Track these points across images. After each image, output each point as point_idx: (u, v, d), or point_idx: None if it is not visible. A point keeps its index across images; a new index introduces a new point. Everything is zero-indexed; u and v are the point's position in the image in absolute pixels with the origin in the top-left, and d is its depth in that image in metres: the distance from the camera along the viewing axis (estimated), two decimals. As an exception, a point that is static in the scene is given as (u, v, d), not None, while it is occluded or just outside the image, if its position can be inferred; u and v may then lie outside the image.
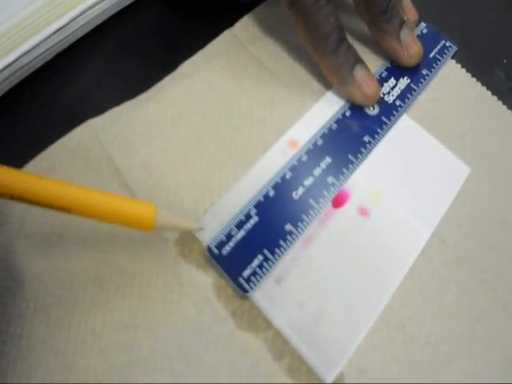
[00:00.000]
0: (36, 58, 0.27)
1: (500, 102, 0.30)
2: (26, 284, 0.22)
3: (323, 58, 0.27)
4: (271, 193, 0.24)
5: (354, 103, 0.28)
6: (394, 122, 0.28)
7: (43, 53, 0.27)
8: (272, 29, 0.30)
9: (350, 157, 0.26)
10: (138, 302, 0.22)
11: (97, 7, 0.29)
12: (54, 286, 0.22)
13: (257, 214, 0.24)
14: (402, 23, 0.28)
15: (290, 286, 0.23)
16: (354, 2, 0.29)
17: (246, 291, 0.22)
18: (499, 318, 0.24)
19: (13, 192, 0.18)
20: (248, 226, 0.23)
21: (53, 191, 0.19)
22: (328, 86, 0.28)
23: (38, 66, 0.28)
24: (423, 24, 0.32)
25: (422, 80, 0.29)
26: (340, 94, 0.28)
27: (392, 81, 0.29)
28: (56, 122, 0.26)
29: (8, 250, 0.22)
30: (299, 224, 0.24)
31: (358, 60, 0.27)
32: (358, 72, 0.27)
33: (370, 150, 0.27)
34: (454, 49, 0.31)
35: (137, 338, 0.21)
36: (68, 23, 0.28)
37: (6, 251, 0.22)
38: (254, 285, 0.22)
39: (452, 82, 0.30)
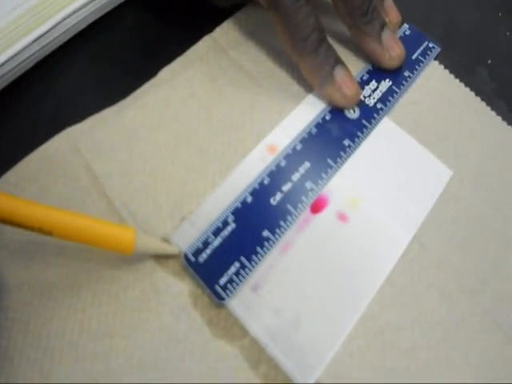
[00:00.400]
0: (16, 66, 0.27)
1: (484, 103, 0.30)
2: (4, 294, 0.22)
3: (302, 59, 0.27)
4: (249, 199, 0.24)
5: (334, 105, 0.28)
6: (375, 125, 0.28)
7: (23, 61, 0.28)
8: (252, 33, 0.30)
9: (329, 161, 0.26)
10: (114, 310, 0.22)
11: (76, 14, 0.29)
12: (33, 296, 0.22)
13: (234, 221, 0.24)
14: (384, 25, 0.28)
15: (267, 293, 0.23)
16: (334, 4, 0.28)
17: (222, 299, 0.22)
18: (480, 323, 0.24)
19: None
20: (225, 232, 0.23)
21: (34, 215, 0.19)
22: (308, 89, 0.28)
23: (19, 74, 0.28)
24: (406, 25, 0.32)
25: (403, 82, 0.29)
26: (320, 96, 0.28)
27: (373, 83, 0.29)
28: (36, 130, 0.27)
29: (-15, 261, 0.22)
30: (277, 230, 0.24)
31: (338, 61, 0.27)
32: (338, 73, 0.27)
33: (350, 154, 0.27)
34: (438, 50, 0.31)
35: (113, 347, 0.21)
36: (48, 31, 0.28)
37: (-17, 261, 0.22)
38: (231, 292, 0.22)
39: (435, 84, 0.30)
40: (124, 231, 0.21)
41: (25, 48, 0.27)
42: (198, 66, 0.29)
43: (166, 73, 0.28)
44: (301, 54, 0.27)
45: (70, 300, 0.22)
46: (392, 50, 0.29)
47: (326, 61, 0.27)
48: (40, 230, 0.20)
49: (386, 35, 0.28)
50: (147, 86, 0.28)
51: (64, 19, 0.29)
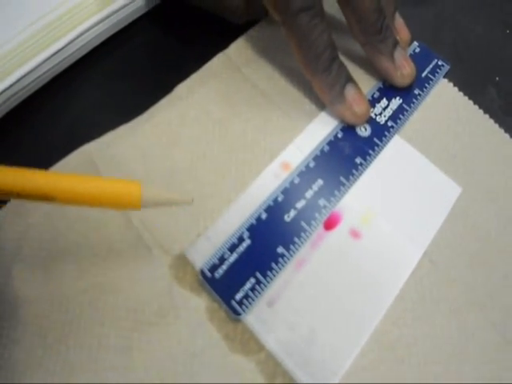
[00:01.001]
0: (31, 82, 0.28)
1: (492, 121, 0.31)
2: (22, 308, 0.23)
3: (315, 77, 0.28)
4: (264, 216, 0.25)
5: (345, 123, 0.29)
6: (386, 143, 0.28)
7: (39, 77, 0.28)
8: (265, 51, 0.31)
9: (342, 179, 0.27)
10: (133, 324, 0.23)
11: (92, 31, 0.30)
12: (51, 310, 0.23)
13: (249, 237, 0.25)
14: (396, 43, 0.29)
15: (282, 308, 0.24)
16: (348, 22, 0.29)
17: (238, 314, 0.23)
18: (489, 337, 0.25)
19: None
20: (241, 248, 0.24)
21: (36, 180, 0.19)
22: (320, 107, 0.29)
23: (34, 90, 0.29)
24: (416, 43, 0.33)
25: (414, 100, 0.30)
26: (331, 114, 0.29)
27: (384, 101, 0.30)
28: (53, 146, 0.27)
29: (4, 274, 0.23)
30: (291, 247, 0.25)
31: (349, 79, 0.28)
32: (349, 92, 0.28)
33: (362, 172, 0.27)
34: (447, 68, 0.32)
35: (132, 360, 0.22)
36: (64, 47, 0.29)
37: (2, 275, 0.23)
38: (247, 308, 0.23)
39: (444, 102, 0.31)
40: (128, 185, 0.20)
41: (40, 64, 0.28)
42: (213, 83, 0.29)
43: (181, 89, 0.29)
44: (313, 73, 0.28)
45: (87, 314, 0.23)
46: (403, 69, 0.29)
47: (337, 80, 0.28)
48: (42, 196, 0.19)
49: (399, 54, 0.29)
50: (163, 103, 0.29)
51: (79, 36, 0.30)
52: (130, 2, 0.31)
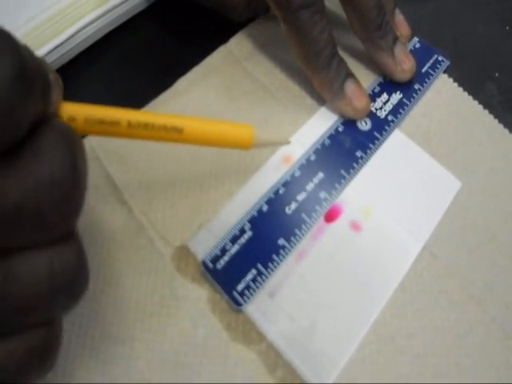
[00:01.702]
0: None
1: (491, 116, 0.31)
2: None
3: (315, 74, 0.28)
4: (265, 208, 0.26)
5: (346, 117, 0.29)
6: (386, 137, 0.29)
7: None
8: (266, 45, 0.32)
9: (343, 172, 0.27)
10: (134, 315, 0.23)
11: (92, 26, 0.30)
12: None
13: (251, 229, 0.25)
14: (396, 39, 0.30)
15: (283, 299, 0.24)
16: (348, 18, 0.30)
17: (240, 305, 0.23)
18: (488, 330, 0.25)
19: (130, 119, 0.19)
20: (242, 240, 0.25)
21: (166, 116, 0.20)
22: (321, 101, 0.30)
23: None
24: (416, 39, 0.33)
25: (414, 95, 0.31)
26: (332, 109, 0.29)
27: (384, 96, 0.30)
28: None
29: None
30: (292, 239, 0.25)
31: (349, 75, 0.29)
32: (349, 87, 0.28)
33: (362, 165, 0.28)
34: (447, 63, 0.33)
35: (133, 351, 0.23)
36: (64, 41, 0.29)
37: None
38: (248, 298, 0.23)
39: (444, 97, 0.32)
40: (242, 128, 0.23)
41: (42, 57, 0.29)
42: (214, 76, 0.30)
43: (182, 83, 0.30)
44: (313, 70, 0.28)
45: (90, 305, 0.23)
46: (404, 64, 0.30)
47: (337, 76, 0.28)
48: (172, 128, 0.20)
49: (399, 49, 0.30)
50: (164, 97, 0.29)
51: (79, 31, 0.30)
52: (130, -2, 0.32)
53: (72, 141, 0.15)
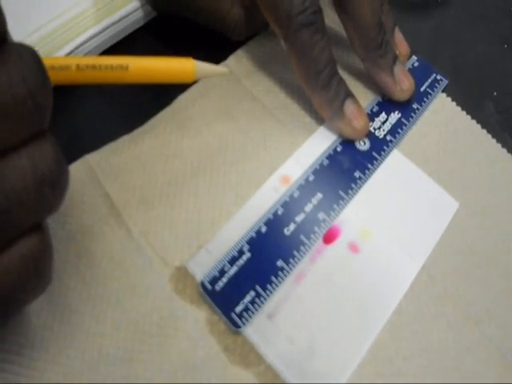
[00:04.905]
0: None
1: (489, 136, 0.32)
2: (24, 319, 0.24)
3: (314, 93, 0.29)
4: (263, 229, 0.27)
5: (345, 137, 0.30)
6: (385, 157, 0.30)
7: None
8: (265, 63, 0.33)
9: (341, 193, 0.28)
10: (133, 335, 0.24)
11: (90, 42, 0.31)
12: (53, 321, 0.24)
13: (249, 250, 0.26)
14: (396, 58, 0.31)
15: (282, 321, 0.25)
16: (349, 36, 0.31)
17: (238, 327, 0.24)
18: (485, 352, 0.26)
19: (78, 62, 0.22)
20: (241, 261, 0.26)
21: (110, 57, 0.23)
22: (320, 120, 0.31)
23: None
24: (414, 57, 0.35)
25: (412, 114, 0.32)
26: (331, 129, 0.31)
27: (383, 115, 0.31)
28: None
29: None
30: (290, 260, 0.26)
31: (348, 94, 0.30)
32: (348, 107, 0.29)
33: (361, 186, 0.29)
34: (445, 82, 0.34)
35: (132, 371, 0.23)
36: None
37: None
38: (246, 320, 0.24)
39: (442, 116, 0.33)
40: (184, 61, 0.25)
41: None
42: (213, 94, 0.31)
43: (181, 101, 0.31)
44: (313, 89, 0.29)
45: (88, 325, 0.24)
46: (403, 83, 0.31)
47: (336, 96, 0.29)
48: (120, 66, 0.23)
49: (398, 68, 0.31)
50: (163, 114, 0.30)
51: (77, 47, 0.31)
52: (128, 14, 0.33)
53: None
